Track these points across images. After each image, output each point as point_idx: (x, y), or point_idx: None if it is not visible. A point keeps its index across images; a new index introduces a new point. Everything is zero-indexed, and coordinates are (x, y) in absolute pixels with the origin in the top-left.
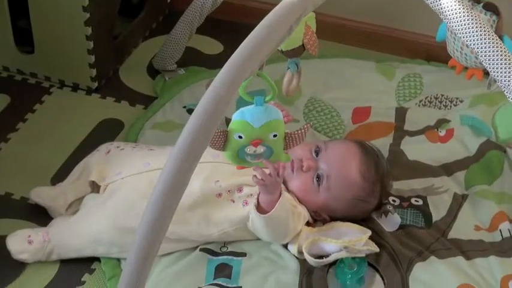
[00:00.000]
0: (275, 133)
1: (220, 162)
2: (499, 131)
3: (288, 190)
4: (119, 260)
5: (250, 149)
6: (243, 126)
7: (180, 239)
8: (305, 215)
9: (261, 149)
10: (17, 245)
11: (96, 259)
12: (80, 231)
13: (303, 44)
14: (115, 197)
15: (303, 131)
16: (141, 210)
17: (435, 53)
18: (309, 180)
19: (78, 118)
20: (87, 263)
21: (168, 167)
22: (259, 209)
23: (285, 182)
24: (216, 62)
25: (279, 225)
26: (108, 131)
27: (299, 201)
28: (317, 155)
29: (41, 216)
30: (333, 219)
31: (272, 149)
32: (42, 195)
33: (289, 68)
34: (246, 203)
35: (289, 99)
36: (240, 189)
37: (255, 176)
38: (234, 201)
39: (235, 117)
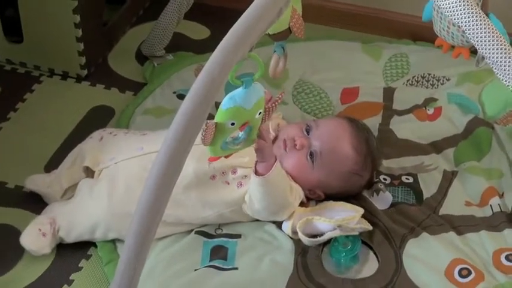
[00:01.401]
0: (260, 111)
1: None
2: (486, 108)
3: None
4: (115, 244)
5: (232, 136)
6: (236, 112)
7: (176, 221)
8: (300, 193)
9: (241, 134)
10: (35, 244)
11: (92, 244)
12: (78, 218)
13: (289, 27)
14: (109, 182)
15: (277, 101)
16: (136, 194)
17: (421, 33)
18: (303, 158)
19: (68, 106)
20: (84, 248)
21: (164, 149)
22: (258, 173)
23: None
24: (203, 47)
25: (278, 191)
26: (99, 118)
27: (294, 180)
28: (308, 133)
29: (35, 203)
30: (327, 195)
31: (251, 128)
32: (38, 182)
33: (275, 51)
34: (241, 185)
35: (277, 82)
36: (234, 171)
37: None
38: (228, 183)
39: (225, 106)
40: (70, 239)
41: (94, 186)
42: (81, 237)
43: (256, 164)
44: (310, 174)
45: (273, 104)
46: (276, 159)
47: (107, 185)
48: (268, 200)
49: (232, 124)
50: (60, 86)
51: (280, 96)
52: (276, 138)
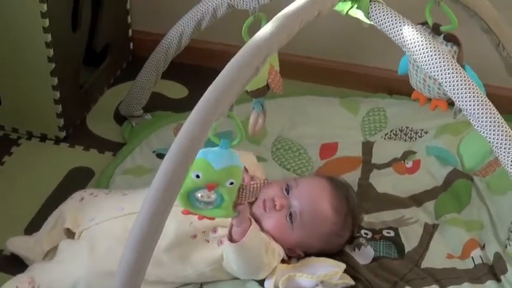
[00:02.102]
0: (232, 180)
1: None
2: (465, 160)
3: (262, 230)
4: None
5: (202, 194)
6: (203, 165)
7: (158, 280)
8: (280, 252)
9: (212, 196)
10: None
11: None
12: (57, 276)
13: (267, 84)
14: (90, 242)
15: (258, 185)
16: (116, 253)
17: (397, 87)
18: (283, 219)
19: (48, 168)
20: None
21: (144, 209)
22: (232, 240)
23: (258, 222)
24: (181, 106)
25: (252, 255)
26: (78, 180)
27: (274, 240)
28: (288, 192)
29: (16, 267)
30: (308, 255)
31: (223, 197)
32: (18, 244)
33: (254, 108)
34: (221, 243)
35: (256, 139)
36: (214, 230)
37: None
38: (208, 241)
39: (198, 156)
40: None
41: (74, 245)
42: None
43: (230, 229)
44: (289, 234)
45: (254, 186)
46: (250, 224)
47: (88, 244)
48: (244, 263)
49: (198, 177)
50: (38, 148)
51: (263, 182)
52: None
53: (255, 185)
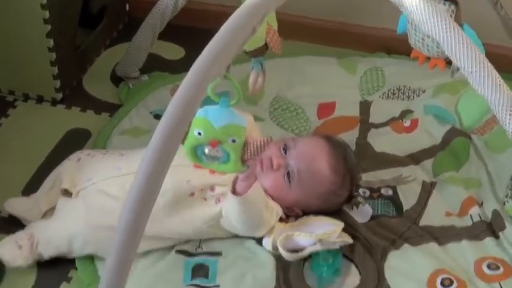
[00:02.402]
0: (234, 138)
1: (190, 165)
2: (463, 118)
3: None
4: (95, 267)
5: (208, 150)
6: (203, 123)
7: (156, 236)
8: (278, 211)
9: (217, 152)
10: (10, 254)
11: (73, 267)
12: (55, 230)
13: (265, 43)
14: (87, 200)
15: (262, 142)
16: (113, 211)
17: (395, 46)
18: (280, 178)
19: (44, 130)
20: (64, 271)
21: (142, 170)
22: (236, 193)
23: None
24: (178, 67)
25: (254, 210)
26: (75, 141)
27: (272, 199)
28: (286, 152)
29: (15, 227)
30: (306, 213)
31: (228, 154)
32: (16, 206)
33: (253, 67)
34: (219, 201)
35: (253, 99)
36: (212, 189)
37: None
38: (206, 199)
39: (198, 114)
40: (48, 252)
41: (72, 203)
42: (58, 250)
43: (235, 183)
44: (287, 194)
45: (258, 144)
46: (255, 179)
47: (85, 201)
48: (244, 218)
49: (199, 134)
50: (35, 110)
51: (267, 140)
52: None
53: (259, 142)
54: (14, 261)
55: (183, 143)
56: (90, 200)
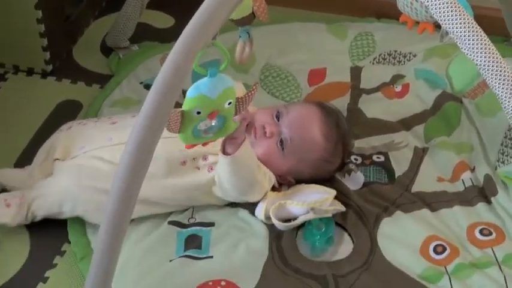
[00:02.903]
0: (230, 100)
1: None
2: (454, 82)
3: None
4: (88, 240)
5: (203, 124)
6: (200, 100)
7: (147, 200)
8: (271, 177)
9: (214, 122)
10: None
11: (66, 240)
12: (47, 190)
13: (252, 12)
14: (79, 164)
15: (252, 92)
16: (104, 172)
17: (385, 10)
18: (273, 145)
19: (36, 102)
20: (57, 244)
21: (133, 139)
22: (226, 153)
23: None
24: (168, 36)
25: (245, 170)
26: (66, 113)
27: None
28: (278, 119)
29: None
30: (298, 181)
31: (224, 118)
32: (10, 176)
33: (240, 36)
34: (211, 169)
35: (244, 67)
36: (205, 158)
37: None
38: (199, 169)
39: (190, 94)
40: (40, 212)
41: (65, 164)
42: (49, 210)
43: (224, 143)
44: (280, 161)
45: (248, 95)
46: (244, 138)
47: (78, 164)
48: (237, 179)
49: (198, 113)
50: (25, 82)
51: (254, 87)
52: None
53: (249, 95)
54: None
55: (180, 131)
56: (83, 163)
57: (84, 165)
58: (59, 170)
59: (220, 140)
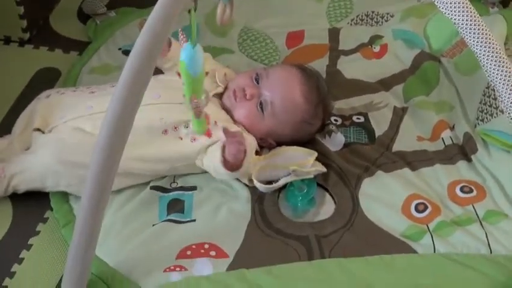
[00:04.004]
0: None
1: (162, 103)
2: (432, 42)
3: (234, 120)
4: (71, 206)
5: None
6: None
7: (128, 173)
8: (254, 145)
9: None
10: None
11: (49, 207)
12: (28, 165)
13: None
14: (59, 135)
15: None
16: (85, 147)
17: None
18: (253, 108)
19: (13, 70)
20: (40, 212)
21: (113, 107)
22: (226, 163)
23: (229, 112)
24: (145, 1)
25: (243, 173)
26: (45, 80)
27: (246, 129)
28: (258, 82)
29: None
30: (279, 144)
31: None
32: None
33: None
34: (194, 139)
35: (223, 30)
36: (187, 126)
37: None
38: (181, 138)
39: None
40: (22, 186)
41: (45, 137)
42: (32, 184)
43: (223, 149)
44: (261, 123)
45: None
46: (245, 152)
47: (57, 136)
48: (232, 178)
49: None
50: (3, 51)
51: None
52: (225, 88)
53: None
54: None
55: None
56: (63, 136)
57: (65, 140)
58: (39, 143)
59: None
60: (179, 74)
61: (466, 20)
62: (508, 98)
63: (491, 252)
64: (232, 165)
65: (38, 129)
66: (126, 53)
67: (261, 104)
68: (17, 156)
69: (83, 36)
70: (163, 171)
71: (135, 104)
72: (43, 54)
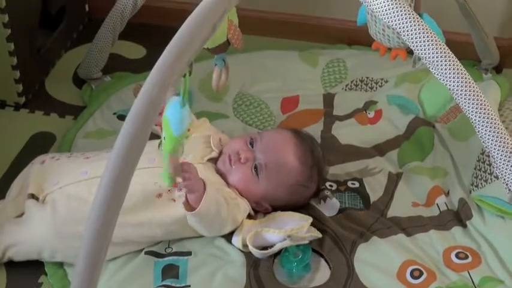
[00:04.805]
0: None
1: (156, 166)
2: (426, 107)
3: (228, 184)
4: (65, 271)
5: None
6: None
7: (125, 242)
8: (246, 207)
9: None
10: None
11: (43, 272)
12: (23, 238)
13: (227, 40)
14: (54, 205)
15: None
16: (80, 215)
17: (356, 37)
18: (248, 172)
19: (9, 135)
20: (34, 276)
21: (108, 173)
22: (189, 207)
23: (224, 177)
24: (140, 66)
25: (212, 218)
26: (40, 145)
27: (240, 194)
28: (252, 146)
29: None
30: (275, 208)
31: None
32: None
33: (216, 64)
34: None
35: (218, 95)
36: (180, 189)
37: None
38: (174, 201)
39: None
40: (18, 258)
41: (39, 208)
42: (28, 256)
43: (186, 197)
44: (256, 187)
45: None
46: (204, 189)
47: (52, 206)
48: (205, 227)
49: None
50: None
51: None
52: (220, 153)
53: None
54: None
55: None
56: (58, 206)
57: (61, 211)
58: (33, 213)
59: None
60: (160, 126)
61: (461, 86)
62: (503, 164)
63: None
64: (190, 204)
65: (32, 195)
66: (121, 117)
67: (255, 167)
68: (10, 224)
69: (79, 101)
70: (159, 236)
71: (131, 169)
72: (38, 119)
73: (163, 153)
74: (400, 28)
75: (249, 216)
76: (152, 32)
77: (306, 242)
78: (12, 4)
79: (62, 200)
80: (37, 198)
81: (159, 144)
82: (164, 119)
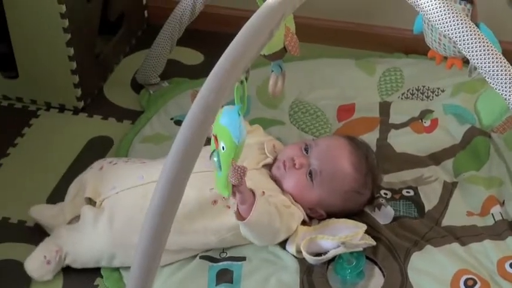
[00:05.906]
0: (223, 145)
1: (212, 171)
2: (482, 117)
3: (282, 191)
4: (121, 274)
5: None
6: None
7: (180, 249)
8: (300, 215)
9: (214, 157)
10: (38, 270)
11: (99, 275)
12: (82, 249)
13: (284, 47)
14: (111, 212)
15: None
16: (137, 224)
17: (413, 46)
18: (303, 177)
19: (67, 138)
20: (90, 279)
21: (163, 178)
22: (240, 216)
23: (279, 183)
24: (197, 72)
25: (263, 228)
26: (98, 149)
27: (295, 200)
28: (307, 152)
29: (39, 237)
30: (329, 214)
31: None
32: (42, 213)
33: (273, 70)
34: None
35: (274, 102)
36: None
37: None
38: (229, 207)
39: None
40: (76, 265)
41: (96, 216)
42: (86, 265)
43: (237, 207)
44: (310, 193)
45: (236, 167)
46: (254, 198)
47: (108, 215)
48: (258, 236)
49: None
50: (57, 119)
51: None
52: (274, 160)
53: (238, 168)
54: (42, 277)
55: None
56: (113, 215)
57: (117, 220)
58: (90, 220)
59: (248, 174)
60: (216, 138)
61: None
62: None
63: None
64: (241, 214)
65: (90, 199)
66: (178, 123)
67: (310, 173)
68: (68, 231)
69: (136, 106)
70: (213, 243)
71: (186, 173)
72: (96, 123)
73: (216, 164)
74: (456, 38)
75: (304, 223)
76: (210, 38)
77: (360, 249)
78: (72, 9)
79: (118, 209)
80: (94, 203)
81: (211, 156)
82: (219, 128)
